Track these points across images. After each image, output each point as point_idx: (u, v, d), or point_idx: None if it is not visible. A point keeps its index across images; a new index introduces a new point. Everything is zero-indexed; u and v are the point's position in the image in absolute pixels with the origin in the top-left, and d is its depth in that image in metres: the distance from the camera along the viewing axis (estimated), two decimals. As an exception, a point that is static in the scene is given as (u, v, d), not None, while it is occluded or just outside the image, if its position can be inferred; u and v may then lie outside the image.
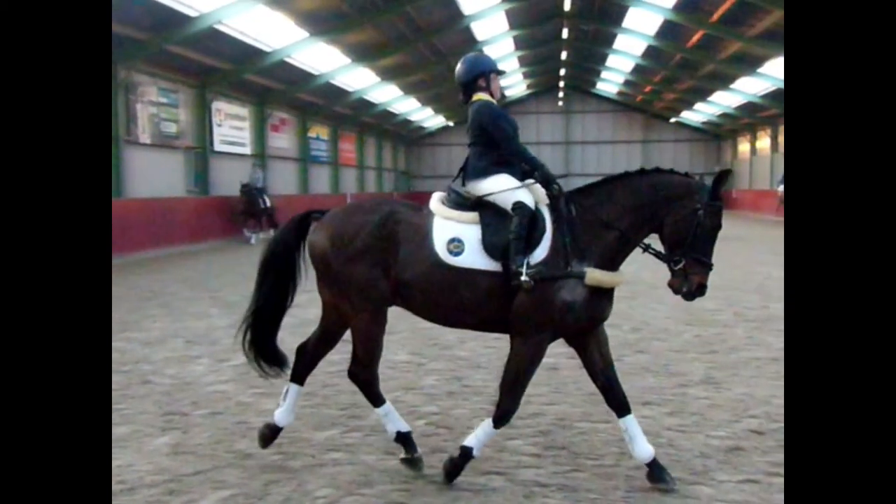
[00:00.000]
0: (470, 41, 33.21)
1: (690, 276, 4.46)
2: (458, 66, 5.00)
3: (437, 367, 7.40)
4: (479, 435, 4.55)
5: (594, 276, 4.39)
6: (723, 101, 42.14)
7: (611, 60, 41.58)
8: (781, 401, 6.21)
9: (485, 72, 4.93)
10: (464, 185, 4.87)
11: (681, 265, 4.48)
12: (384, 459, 4.95)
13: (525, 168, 4.76)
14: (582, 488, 4.47)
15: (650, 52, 36.53)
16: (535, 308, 4.39)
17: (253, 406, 6.16)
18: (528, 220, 4.47)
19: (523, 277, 4.32)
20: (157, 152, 23.00)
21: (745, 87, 36.52)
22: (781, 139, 41.57)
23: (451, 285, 4.49)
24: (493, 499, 4.33)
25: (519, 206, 4.51)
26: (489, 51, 35.76)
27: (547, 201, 4.64)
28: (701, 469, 4.73)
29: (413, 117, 47.32)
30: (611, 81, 47.71)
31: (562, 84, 49.82)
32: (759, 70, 32.40)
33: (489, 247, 4.48)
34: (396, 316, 4.80)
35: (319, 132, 37.35)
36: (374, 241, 4.55)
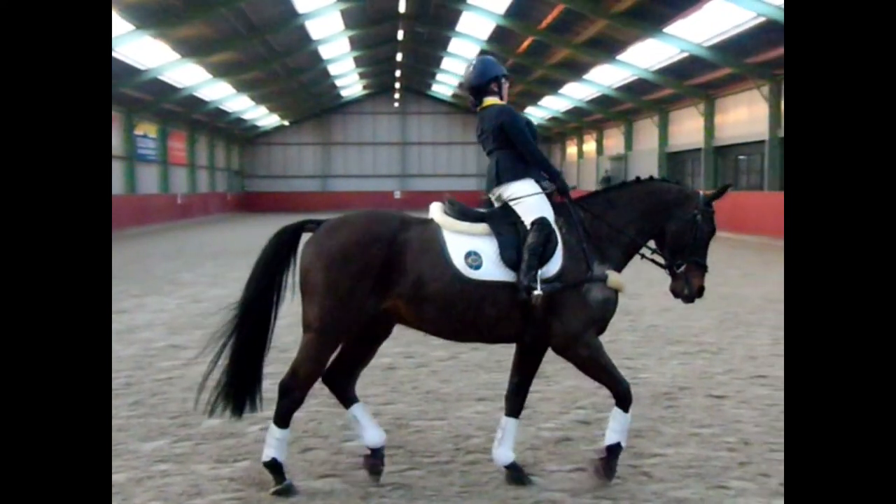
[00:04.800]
0: (304, 39, 32.85)
1: (692, 280, 4.65)
2: (468, 70, 4.89)
3: (273, 371, 7.24)
4: (615, 428, 4.55)
5: (614, 279, 4.49)
6: (552, 106, 43.87)
7: (445, 63, 42.29)
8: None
9: (497, 76, 4.84)
10: (490, 189, 4.79)
11: (682, 269, 4.66)
12: (216, 468, 4.80)
13: (543, 176, 4.71)
14: (418, 486, 4.51)
15: (483, 57, 37.44)
16: (574, 316, 4.42)
17: (73, 419, 5.80)
18: (546, 238, 4.43)
19: (536, 291, 4.30)
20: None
21: (573, 92, 38.23)
22: (606, 142, 43.83)
23: (474, 299, 4.38)
24: (329, 502, 4.29)
25: (539, 222, 4.46)
26: (324, 50, 35.55)
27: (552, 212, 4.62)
28: (532, 461, 4.89)
29: (246, 116, 46.24)
30: (446, 84, 48.51)
31: (398, 85, 50.19)
32: (585, 76, 34.02)
33: (507, 258, 4.41)
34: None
35: (147, 130, 35.77)
36: (381, 258, 4.31)
